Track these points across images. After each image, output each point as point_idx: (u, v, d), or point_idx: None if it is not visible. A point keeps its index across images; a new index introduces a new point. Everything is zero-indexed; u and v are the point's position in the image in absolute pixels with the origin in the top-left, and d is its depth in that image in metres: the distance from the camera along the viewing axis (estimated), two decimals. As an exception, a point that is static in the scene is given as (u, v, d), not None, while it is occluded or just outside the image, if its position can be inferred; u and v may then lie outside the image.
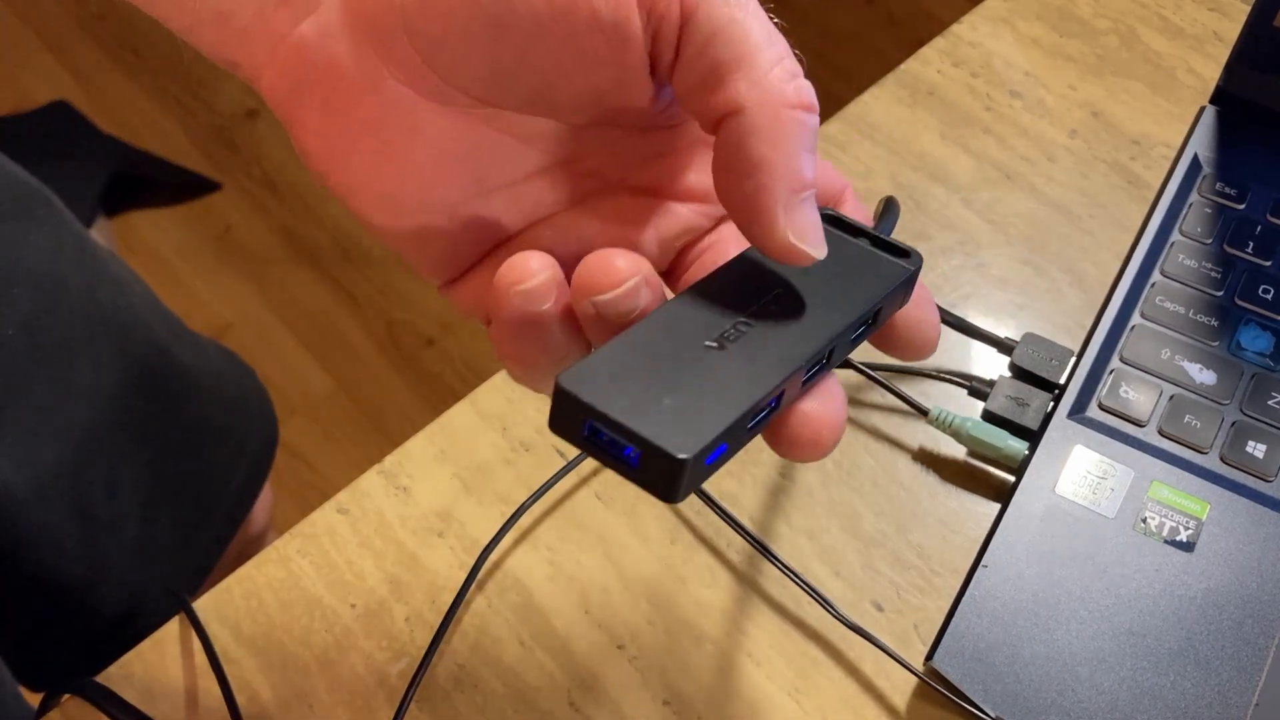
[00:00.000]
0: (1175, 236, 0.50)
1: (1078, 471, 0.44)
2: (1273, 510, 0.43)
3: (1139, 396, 0.46)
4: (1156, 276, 0.49)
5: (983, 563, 0.42)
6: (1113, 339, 0.47)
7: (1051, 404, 0.46)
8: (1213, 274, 0.49)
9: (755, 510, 0.46)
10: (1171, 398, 0.46)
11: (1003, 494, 0.46)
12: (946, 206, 0.54)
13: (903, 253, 0.31)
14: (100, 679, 0.43)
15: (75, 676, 0.42)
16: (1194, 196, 0.51)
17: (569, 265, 0.28)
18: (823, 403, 0.27)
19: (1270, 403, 0.45)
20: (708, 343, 0.27)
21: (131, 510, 0.60)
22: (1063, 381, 0.46)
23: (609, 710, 0.42)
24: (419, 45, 0.27)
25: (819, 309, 0.28)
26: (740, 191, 0.27)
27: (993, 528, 0.43)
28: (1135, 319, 0.48)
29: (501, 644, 0.43)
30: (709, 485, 0.46)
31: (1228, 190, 0.51)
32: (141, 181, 1.50)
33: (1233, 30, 0.57)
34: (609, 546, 0.45)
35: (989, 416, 0.46)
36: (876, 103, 0.57)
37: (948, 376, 0.48)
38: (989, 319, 0.50)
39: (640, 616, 0.44)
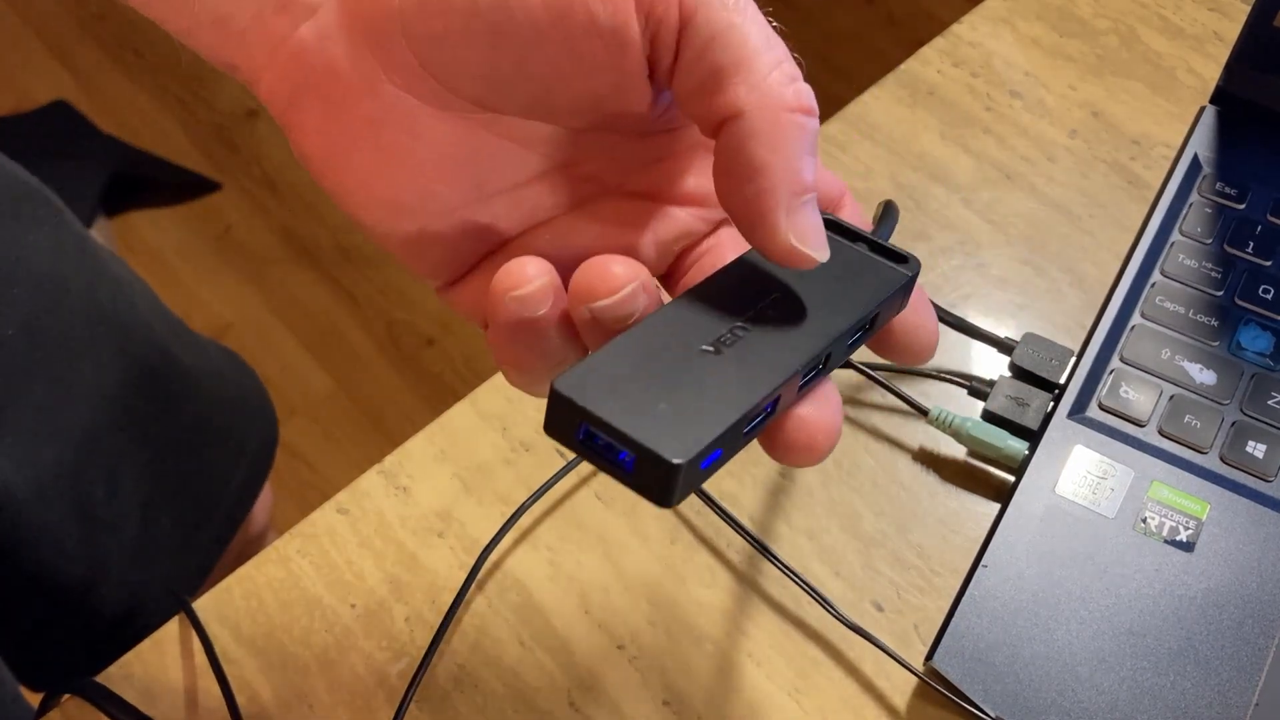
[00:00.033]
0: (1175, 236, 0.50)
1: (1078, 471, 0.44)
2: (1273, 510, 0.43)
3: (1139, 396, 0.46)
4: (1156, 276, 0.49)
5: (983, 563, 0.42)
6: (1113, 339, 0.47)
7: (1051, 404, 0.46)
8: (1213, 274, 0.49)
9: (755, 510, 0.46)
10: (1171, 398, 0.46)
11: (1003, 494, 0.46)
12: (946, 206, 0.54)
13: (901, 258, 0.31)
14: (100, 679, 0.43)
15: (75, 676, 0.42)
16: (1194, 196, 0.51)
17: (567, 270, 0.28)
18: (819, 408, 0.27)
19: (1270, 403, 0.45)
20: (704, 347, 0.27)
21: (132, 510, 0.60)
22: (1063, 381, 0.46)
23: (609, 710, 0.42)
24: (417, 49, 0.27)
25: (816, 314, 0.28)
26: (741, 196, 0.27)
27: (993, 528, 0.43)
28: (1135, 319, 0.48)
29: (501, 644, 0.43)
30: (709, 485, 0.46)
31: (1228, 190, 0.51)
32: (141, 181, 1.50)
33: (1233, 30, 0.57)
34: (609, 546, 0.45)
35: (989, 416, 0.46)
36: (876, 103, 0.57)
37: (948, 376, 0.48)
38: (989, 319, 0.50)
39: (640, 616, 0.44)
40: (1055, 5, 0.60)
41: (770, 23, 0.27)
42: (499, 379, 0.49)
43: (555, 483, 0.46)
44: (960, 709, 0.40)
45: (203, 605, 0.44)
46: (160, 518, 0.62)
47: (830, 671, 0.43)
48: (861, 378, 0.48)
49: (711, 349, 0.27)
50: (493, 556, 0.45)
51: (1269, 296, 0.48)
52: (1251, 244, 0.49)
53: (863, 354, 0.32)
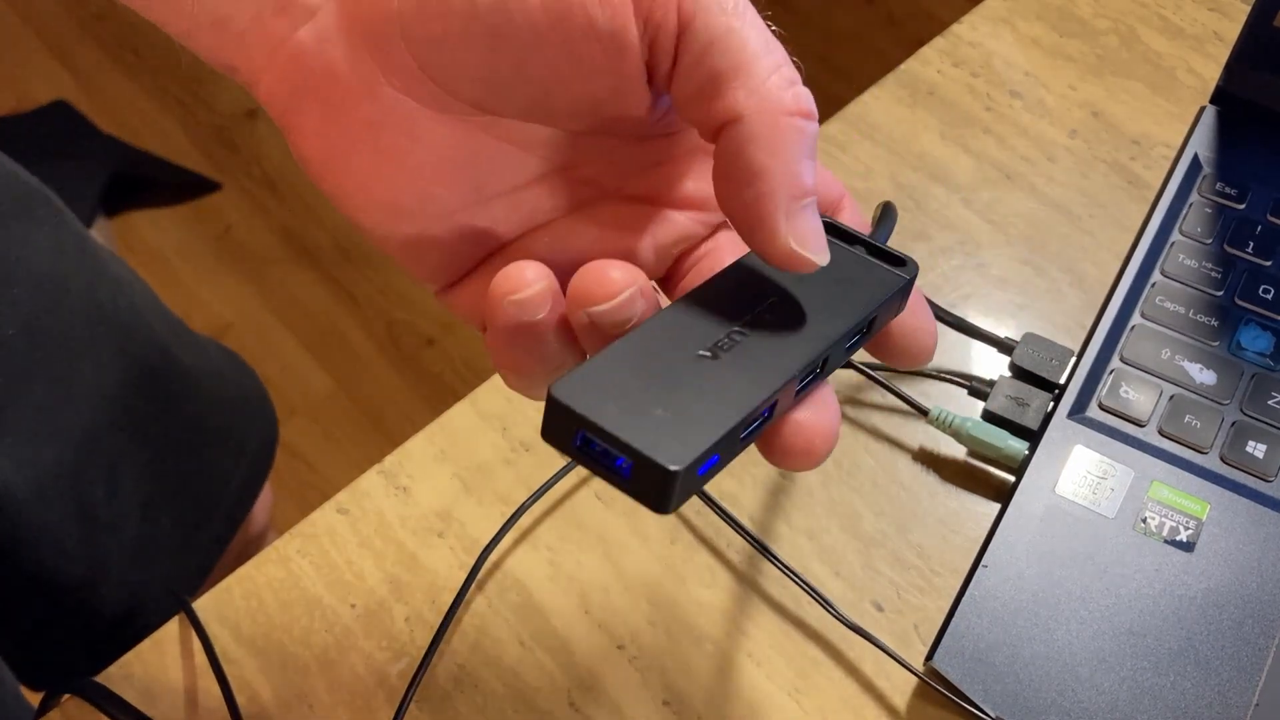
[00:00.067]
0: (1175, 236, 0.50)
1: (1078, 471, 0.44)
2: (1273, 510, 0.43)
3: (1139, 396, 0.46)
4: (1156, 276, 0.49)
5: (983, 563, 0.42)
6: (1113, 339, 0.47)
7: (1051, 404, 0.46)
8: (1213, 274, 0.49)
9: (755, 510, 0.46)
10: (1171, 398, 0.46)
11: (1003, 494, 0.46)
12: (946, 206, 0.54)
13: (899, 261, 0.30)
14: (100, 679, 0.43)
15: (75, 676, 0.42)
16: (1194, 196, 0.51)
17: (565, 273, 0.28)
18: (816, 412, 0.27)
19: (1270, 403, 0.45)
20: (701, 352, 0.27)
21: (132, 510, 0.60)
22: (1063, 381, 0.46)
23: (609, 710, 0.42)
24: (416, 52, 0.27)
25: (813, 318, 0.28)
26: (741, 200, 0.27)
27: (993, 528, 0.43)
28: (1135, 319, 0.48)
29: (501, 644, 0.43)
30: (709, 486, 0.46)
31: (1228, 190, 0.51)
32: (141, 181, 1.50)
33: (1233, 30, 0.57)
34: (609, 546, 0.45)
35: (989, 416, 0.46)
36: (876, 103, 0.57)
37: (948, 376, 0.48)
38: (989, 319, 0.50)
39: (640, 616, 0.44)
40: (1055, 5, 0.60)
41: (769, 26, 0.27)
42: (499, 379, 0.49)
43: (555, 483, 0.46)
44: (960, 709, 0.40)
45: (203, 605, 0.44)
46: (160, 517, 0.62)
47: (830, 671, 0.43)
48: (861, 378, 0.48)
49: (709, 354, 0.27)
50: (493, 556, 0.45)
51: (1269, 296, 0.48)
52: (1251, 244, 0.49)
53: (863, 354, 0.32)
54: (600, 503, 0.46)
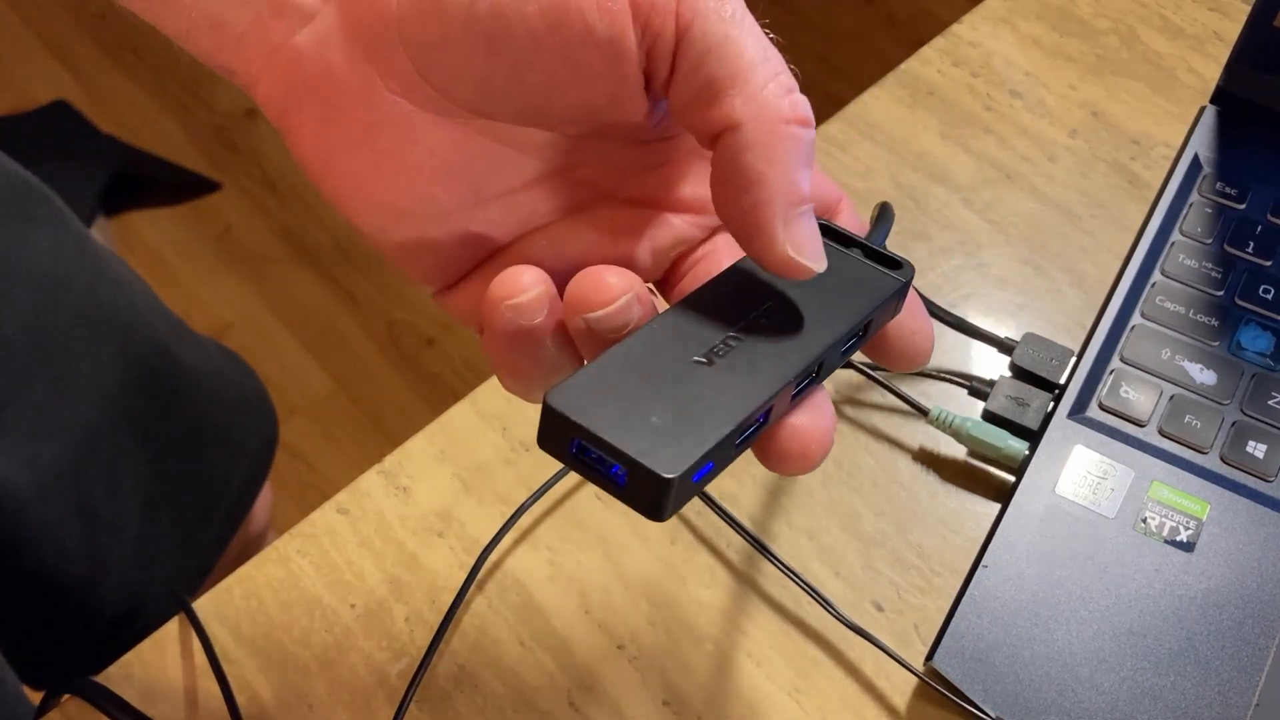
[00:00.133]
0: (1175, 236, 0.50)
1: (1078, 471, 0.44)
2: (1273, 510, 0.43)
3: (1139, 396, 0.46)
4: (1157, 276, 0.49)
5: (983, 563, 0.42)
6: (1113, 339, 0.47)
7: (1051, 404, 0.46)
8: (1213, 274, 0.49)
9: (755, 510, 0.46)
10: (1172, 398, 0.46)
11: (1003, 494, 0.46)
12: (946, 206, 0.54)
13: (895, 263, 0.31)
14: (100, 679, 0.43)
15: (75, 676, 0.42)
16: (1194, 196, 0.51)
17: (563, 277, 0.28)
18: (812, 417, 0.27)
19: (1270, 403, 0.45)
20: (696, 358, 0.27)
21: (132, 509, 0.60)
22: (1063, 381, 0.46)
23: (609, 710, 0.42)
24: (414, 56, 0.27)
25: (809, 322, 0.28)
26: (738, 207, 0.27)
27: (993, 528, 0.43)
28: (1135, 319, 0.48)
29: (501, 644, 0.43)
30: (709, 485, 0.46)
31: (1228, 190, 0.51)
32: (141, 181, 1.50)
33: (1233, 30, 0.57)
34: (609, 546, 0.45)
35: (989, 416, 0.46)
36: (876, 103, 0.57)
37: (948, 376, 0.48)
38: (989, 319, 0.50)
39: (640, 616, 0.44)
40: (1055, 5, 0.60)
41: (767, 34, 0.27)
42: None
43: (555, 483, 0.46)
44: (960, 709, 0.40)
45: (203, 605, 0.44)
46: (160, 517, 0.62)
47: (830, 671, 0.43)
48: (861, 378, 0.48)
49: (704, 360, 0.27)
50: (493, 556, 0.45)
51: (1269, 296, 0.48)
52: (1252, 244, 0.49)
53: (863, 355, 0.32)
54: (600, 503, 0.46)
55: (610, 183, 0.31)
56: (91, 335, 0.58)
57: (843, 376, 0.49)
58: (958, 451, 0.47)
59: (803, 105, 0.27)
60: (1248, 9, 0.52)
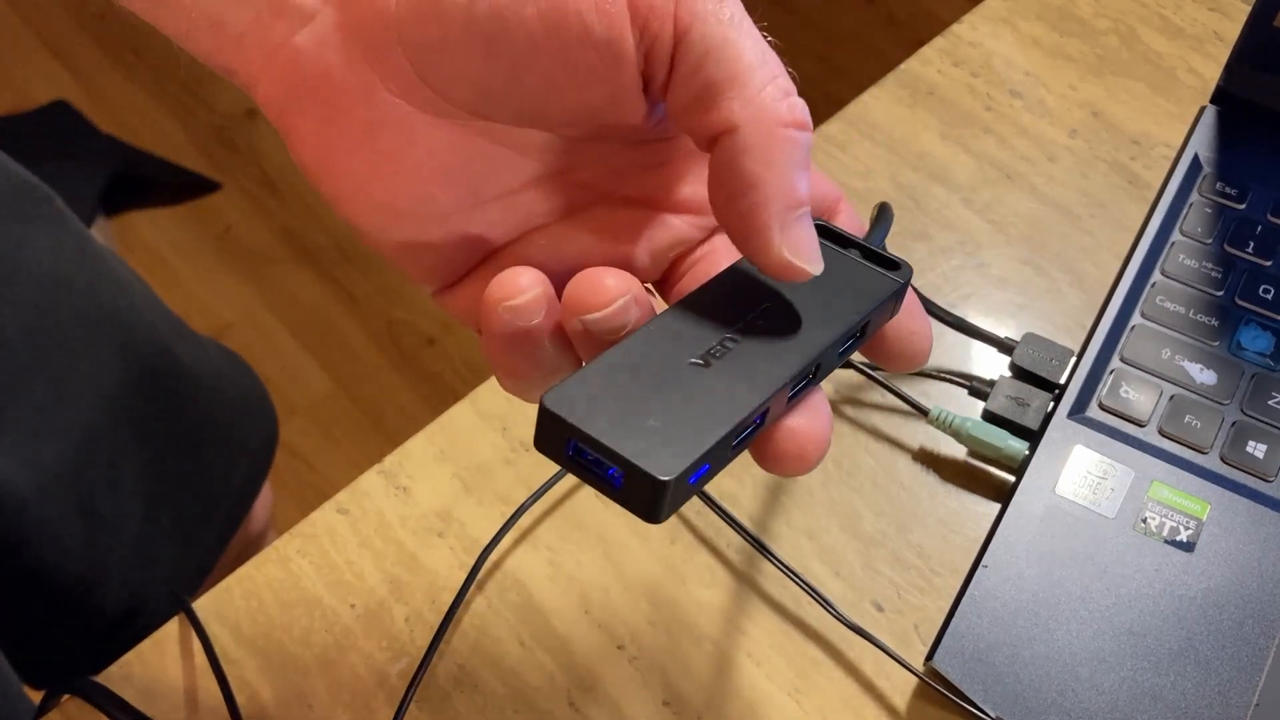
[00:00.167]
0: (1175, 236, 0.50)
1: (1078, 471, 0.44)
2: (1273, 510, 0.43)
3: (1139, 396, 0.46)
4: (1157, 276, 0.49)
5: (983, 563, 0.42)
6: (1113, 339, 0.47)
7: (1051, 404, 0.46)
8: (1213, 274, 0.49)
9: (755, 510, 0.46)
10: (1172, 398, 0.46)
11: (1003, 494, 0.46)
12: (946, 206, 0.54)
13: (892, 264, 0.31)
14: (100, 679, 0.43)
15: (75, 676, 0.42)
16: (1194, 196, 0.51)
17: (561, 278, 0.28)
18: (808, 418, 0.27)
19: (1270, 403, 0.45)
20: (693, 360, 0.27)
21: (133, 509, 0.60)
22: (1063, 381, 0.46)
23: (609, 710, 0.42)
24: (413, 58, 0.27)
25: (806, 323, 0.29)
26: (735, 210, 0.27)
27: (993, 528, 0.43)
28: (1135, 319, 0.48)
29: (501, 644, 0.43)
30: (709, 485, 0.46)
31: (1228, 190, 0.51)
32: (141, 181, 1.50)
33: (1233, 30, 0.57)
34: (609, 546, 0.45)
35: (989, 416, 0.46)
36: (876, 103, 0.57)
37: (948, 376, 0.48)
38: (989, 319, 0.50)
39: (640, 616, 0.44)
40: (1055, 5, 0.60)
41: (765, 36, 0.27)
42: (499, 379, 0.49)
43: (555, 483, 0.46)
44: (960, 709, 0.40)
45: (203, 605, 0.44)
46: (161, 517, 0.62)
47: (830, 671, 0.43)
48: (862, 378, 0.48)
49: (701, 362, 0.27)
50: (493, 556, 0.45)
51: (1269, 296, 0.48)
52: (1252, 244, 0.49)
53: (862, 355, 0.32)
54: (600, 503, 0.46)
55: (609, 184, 0.31)
56: (92, 335, 0.58)
57: (843, 376, 0.49)
58: (958, 451, 0.47)
59: (800, 108, 0.27)
60: (1248, 9, 0.52)
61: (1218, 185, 0.51)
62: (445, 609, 0.44)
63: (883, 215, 0.33)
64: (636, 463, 0.24)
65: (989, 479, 0.47)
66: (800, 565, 0.44)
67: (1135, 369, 0.46)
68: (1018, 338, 0.47)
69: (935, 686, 0.41)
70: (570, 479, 0.46)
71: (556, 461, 0.26)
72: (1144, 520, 0.43)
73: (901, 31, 1.61)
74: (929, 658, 0.41)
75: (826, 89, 1.42)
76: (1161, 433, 0.45)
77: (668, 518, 0.25)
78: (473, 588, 0.44)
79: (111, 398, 0.58)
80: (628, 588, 0.44)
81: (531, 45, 0.27)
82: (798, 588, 0.44)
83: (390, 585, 0.45)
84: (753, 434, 0.27)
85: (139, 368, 0.60)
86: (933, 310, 0.48)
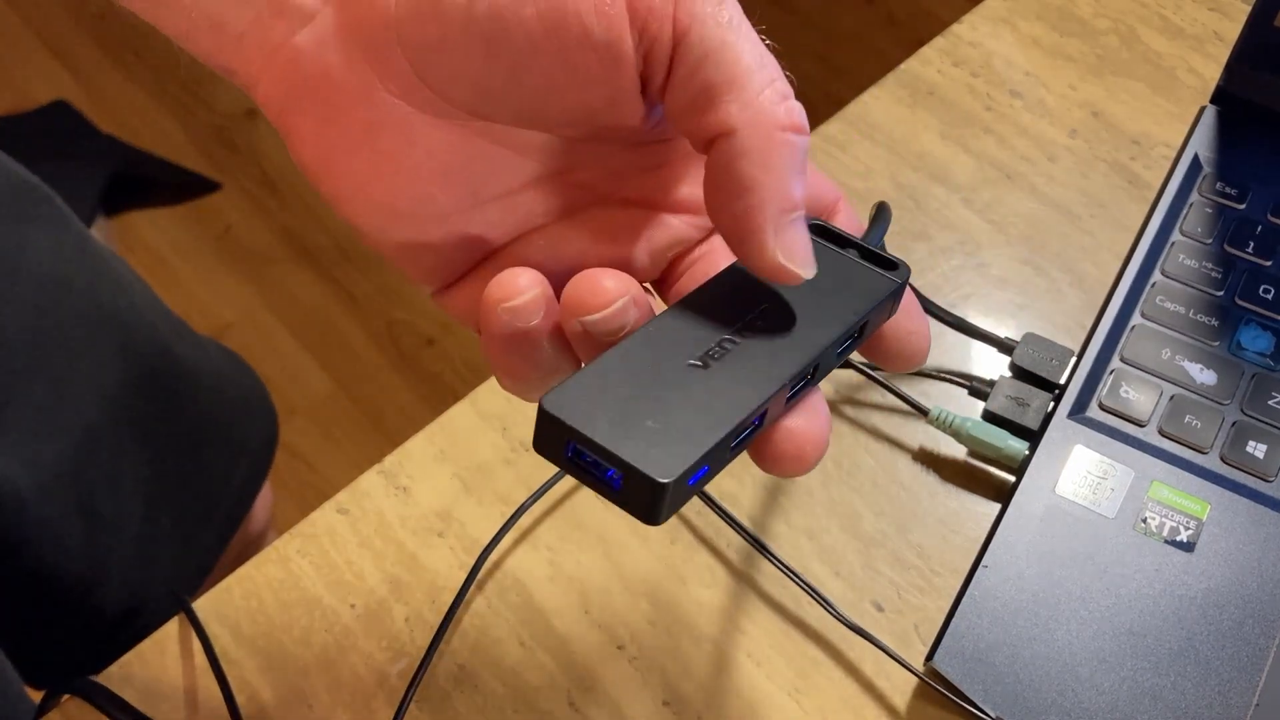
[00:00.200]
0: (1175, 236, 0.50)
1: (1078, 471, 0.44)
2: (1273, 510, 0.43)
3: (1139, 396, 0.46)
4: (1157, 276, 0.49)
5: (983, 563, 0.42)
6: (1113, 339, 0.47)
7: (1052, 404, 0.46)
8: (1213, 274, 0.49)
9: (755, 510, 0.46)
10: (1172, 398, 0.46)
11: (1003, 494, 0.46)
12: (946, 206, 0.54)
13: (890, 264, 0.31)
14: (100, 679, 0.43)
15: (75, 676, 0.42)
16: (1194, 196, 0.51)
17: (560, 278, 0.28)
18: (807, 419, 0.28)
19: (1270, 403, 0.45)
20: (691, 361, 0.27)
21: (133, 509, 0.60)
22: (1063, 381, 0.46)
23: (609, 710, 0.42)
24: (412, 58, 0.27)
25: (804, 324, 0.29)
26: (731, 212, 0.27)
27: (993, 528, 0.43)
28: (1135, 319, 0.48)
29: (501, 644, 0.43)
30: (709, 485, 0.46)
31: (1228, 190, 0.51)
32: (141, 181, 1.50)
33: (1233, 30, 0.57)
34: (609, 546, 0.45)
35: (989, 416, 0.46)
36: (876, 103, 0.57)
37: (948, 376, 0.48)
38: (989, 319, 0.50)
39: (640, 616, 0.44)
40: (1055, 5, 0.60)
41: (764, 39, 0.28)
42: (499, 379, 0.49)
43: (555, 483, 0.46)
44: (960, 709, 0.40)
45: (203, 605, 0.44)
46: (161, 517, 0.62)
47: (830, 671, 0.43)
48: (862, 378, 0.48)
49: (699, 363, 0.27)
50: (493, 556, 0.45)
51: (1269, 296, 0.48)
52: (1252, 244, 0.49)
53: (861, 355, 0.32)
54: (600, 503, 0.46)
55: (607, 184, 0.31)
56: (92, 335, 0.58)
57: (843, 376, 0.49)
58: (958, 451, 0.47)
59: (798, 112, 0.27)
60: (1248, 9, 0.52)
61: (1218, 185, 0.51)
62: (445, 609, 0.44)
63: (881, 215, 0.33)
64: (635, 465, 0.24)
65: (989, 479, 0.47)
66: (800, 565, 0.44)
67: (1135, 369, 0.46)
68: (1018, 338, 0.47)
69: (935, 686, 0.41)
70: (570, 479, 0.46)
71: (556, 463, 0.26)
72: (1144, 520, 0.43)
73: (901, 31, 1.61)
74: (929, 658, 0.41)
75: (826, 89, 1.42)
76: (1161, 433, 0.45)
77: (667, 519, 0.25)
78: (473, 588, 0.44)
79: (111, 398, 0.58)
80: (628, 588, 0.44)
81: (531, 46, 0.27)
82: (798, 588, 0.44)
83: (390, 585, 0.45)
84: (751, 435, 0.27)
85: (139, 368, 0.60)
86: (933, 310, 0.48)
